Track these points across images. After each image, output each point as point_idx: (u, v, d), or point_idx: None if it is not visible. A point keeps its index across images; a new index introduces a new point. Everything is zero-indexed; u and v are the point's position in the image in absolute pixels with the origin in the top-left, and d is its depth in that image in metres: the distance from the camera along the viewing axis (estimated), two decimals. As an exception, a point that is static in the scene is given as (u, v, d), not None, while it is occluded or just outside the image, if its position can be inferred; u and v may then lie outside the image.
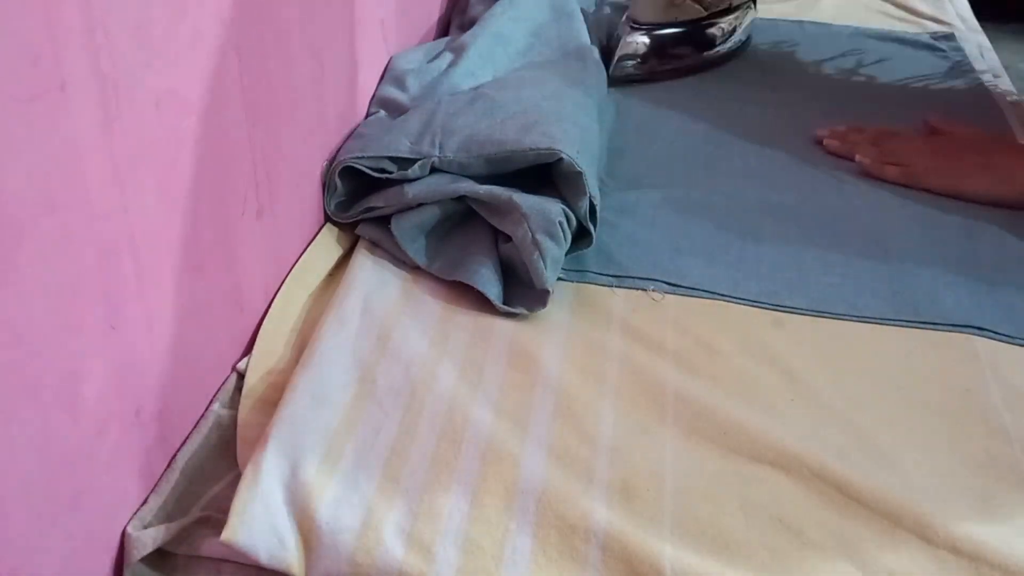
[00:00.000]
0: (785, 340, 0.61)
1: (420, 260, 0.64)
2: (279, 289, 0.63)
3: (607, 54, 0.95)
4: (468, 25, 0.98)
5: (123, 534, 0.47)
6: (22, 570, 0.39)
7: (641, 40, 0.96)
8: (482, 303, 0.62)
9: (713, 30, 0.99)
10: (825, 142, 0.84)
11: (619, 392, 0.56)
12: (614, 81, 0.93)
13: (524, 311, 0.61)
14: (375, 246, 0.67)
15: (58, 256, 0.39)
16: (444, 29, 1.03)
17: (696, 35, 0.99)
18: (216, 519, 0.47)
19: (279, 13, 0.58)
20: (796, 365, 0.59)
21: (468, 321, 0.61)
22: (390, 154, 0.66)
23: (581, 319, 0.62)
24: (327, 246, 0.68)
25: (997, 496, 0.50)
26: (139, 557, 0.46)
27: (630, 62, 0.95)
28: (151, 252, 0.46)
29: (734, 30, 1.01)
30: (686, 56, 0.99)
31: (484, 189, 0.64)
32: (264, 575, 0.46)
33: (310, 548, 0.46)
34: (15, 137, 0.35)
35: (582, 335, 0.60)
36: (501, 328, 0.60)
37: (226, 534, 0.45)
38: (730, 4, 1.00)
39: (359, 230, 0.68)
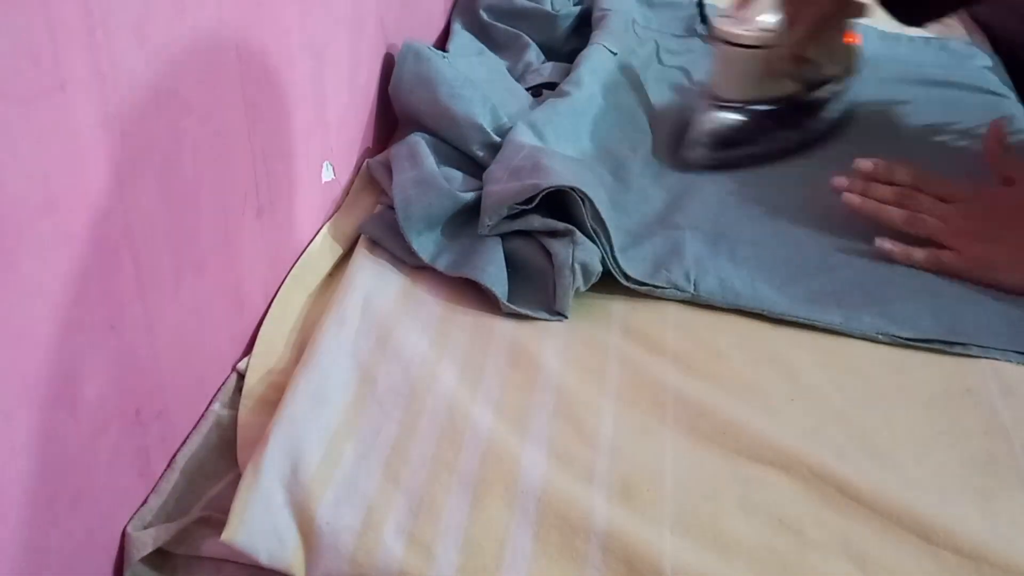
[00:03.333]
0: (785, 340, 0.61)
1: (425, 255, 0.64)
2: (279, 289, 0.63)
3: (676, 135, 0.81)
4: (477, 26, 0.98)
5: (123, 534, 0.47)
6: (22, 570, 0.39)
7: (724, 118, 0.79)
8: (483, 303, 0.62)
9: (808, 106, 0.83)
10: (845, 197, 0.70)
11: (619, 392, 0.56)
12: (684, 166, 0.78)
13: (529, 312, 0.61)
14: (375, 245, 0.67)
15: (58, 256, 0.39)
16: (445, 28, 1.03)
17: (789, 114, 0.81)
18: (216, 519, 0.47)
19: (279, 13, 0.58)
20: (796, 365, 0.59)
21: (468, 321, 0.61)
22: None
23: (581, 319, 0.62)
24: (327, 246, 0.68)
25: (997, 496, 0.50)
26: (139, 557, 0.46)
27: (706, 146, 0.78)
28: (151, 252, 0.46)
29: (828, 100, 0.84)
30: (775, 139, 0.81)
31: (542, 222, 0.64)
32: (264, 575, 0.46)
33: (310, 548, 0.46)
34: (15, 137, 0.35)
35: (582, 335, 0.60)
36: (501, 328, 0.60)
37: (226, 534, 0.45)
38: (831, 76, 0.83)
39: (361, 227, 0.68)
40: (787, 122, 0.81)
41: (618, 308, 0.63)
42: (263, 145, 0.57)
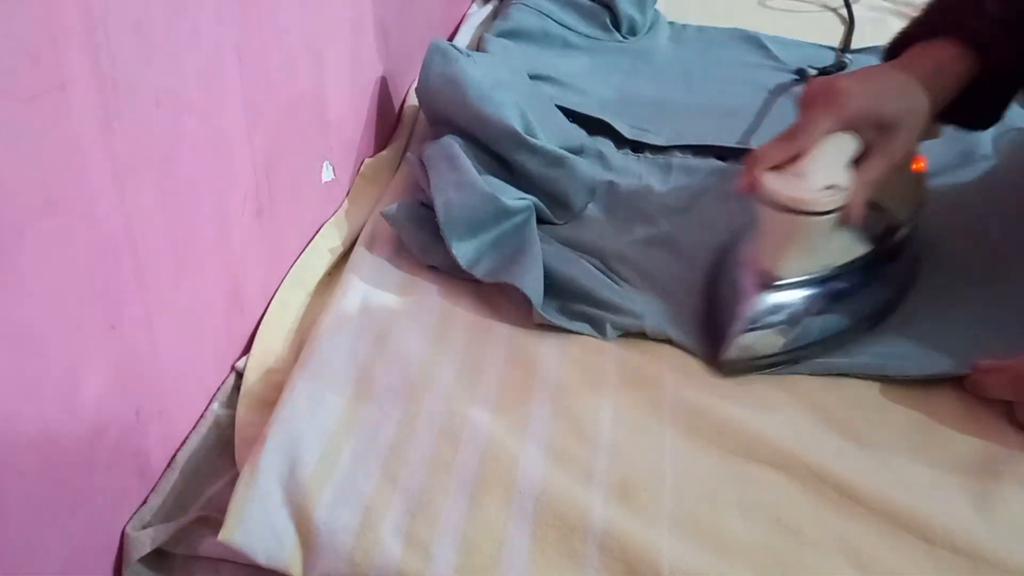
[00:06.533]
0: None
1: (463, 260, 0.63)
2: (278, 289, 0.63)
3: (709, 324, 0.61)
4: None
5: (122, 534, 0.47)
6: (22, 570, 0.39)
7: (784, 310, 0.58)
8: (482, 303, 0.62)
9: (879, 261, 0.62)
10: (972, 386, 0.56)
11: (618, 392, 0.56)
12: (727, 370, 0.58)
13: (562, 323, 0.60)
14: (375, 241, 0.67)
15: (58, 256, 0.39)
16: (444, 31, 1.03)
17: (857, 281, 0.61)
18: (215, 519, 0.47)
19: (279, 13, 0.58)
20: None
21: (467, 321, 0.61)
22: None
23: (580, 319, 0.62)
24: (327, 246, 0.68)
25: (995, 496, 0.50)
26: (137, 557, 0.46)
27: (761, 352, 0.58)
28: (151, 252, 0.46)
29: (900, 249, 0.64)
30: (847, 316, 0.60)
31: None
32: (262, 575, 0.46)
33: (308, 548, 0.46)
34: (15, 137, 0.35)
35: (580, 335, 0.60)
36: (500, 328, 0.60)
37: (224, 534, 0.45)
38: (901, 219, 0.64)
39: (384, 212, 0.67)
40: (857, 292, 0.61)
41: (617, 308, 0.63)
42: (263, 145, 0.57)
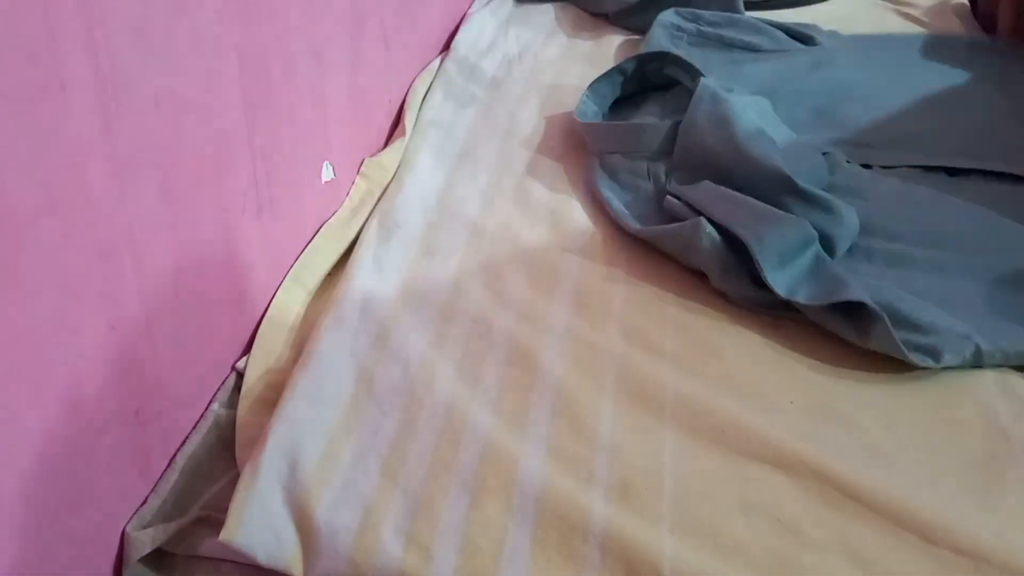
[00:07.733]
0: (784, 339, 0.61)
1: (781, 290, 0.61)
2: (278, 289, 0.63)
3: None
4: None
5: (123, 534, 0.47)
6: (22, 570, 0.39)
7: None
8: (482, 302, 0.62)
9: None
10: None
11: (618, 391, 0.56)
12: None
13: (898, 354, 0.57)
14: (374, 241, 0.67)
15: (58, 256, 0.39)
16: (444, 31, 1.03)
17: None
18: (215, 519, 0.47)
19: (279, 13, 0.58)
20: (795, 365, 0.58)
21: (467, 320, 0.61)
22: None
23: (581, 319, 0.62)
24: (326, 246, 0.68)
25: (996, 496, 0.50)
26: (137, 557, 0.46)
27: None
28: (151, 252, 0.46)
29: None
30: None
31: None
32: (263, 575, 0.46)
33: (308, 548, 0.46)
34: (15, 137, 0.35)
35: (582, 334, 0.60)
36: (500, 328, 0.60)
37: (224, 534, 0.45)
38: None
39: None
40: None
41: (618, 307, 0.63)
42: (263, 145, 0.57)
